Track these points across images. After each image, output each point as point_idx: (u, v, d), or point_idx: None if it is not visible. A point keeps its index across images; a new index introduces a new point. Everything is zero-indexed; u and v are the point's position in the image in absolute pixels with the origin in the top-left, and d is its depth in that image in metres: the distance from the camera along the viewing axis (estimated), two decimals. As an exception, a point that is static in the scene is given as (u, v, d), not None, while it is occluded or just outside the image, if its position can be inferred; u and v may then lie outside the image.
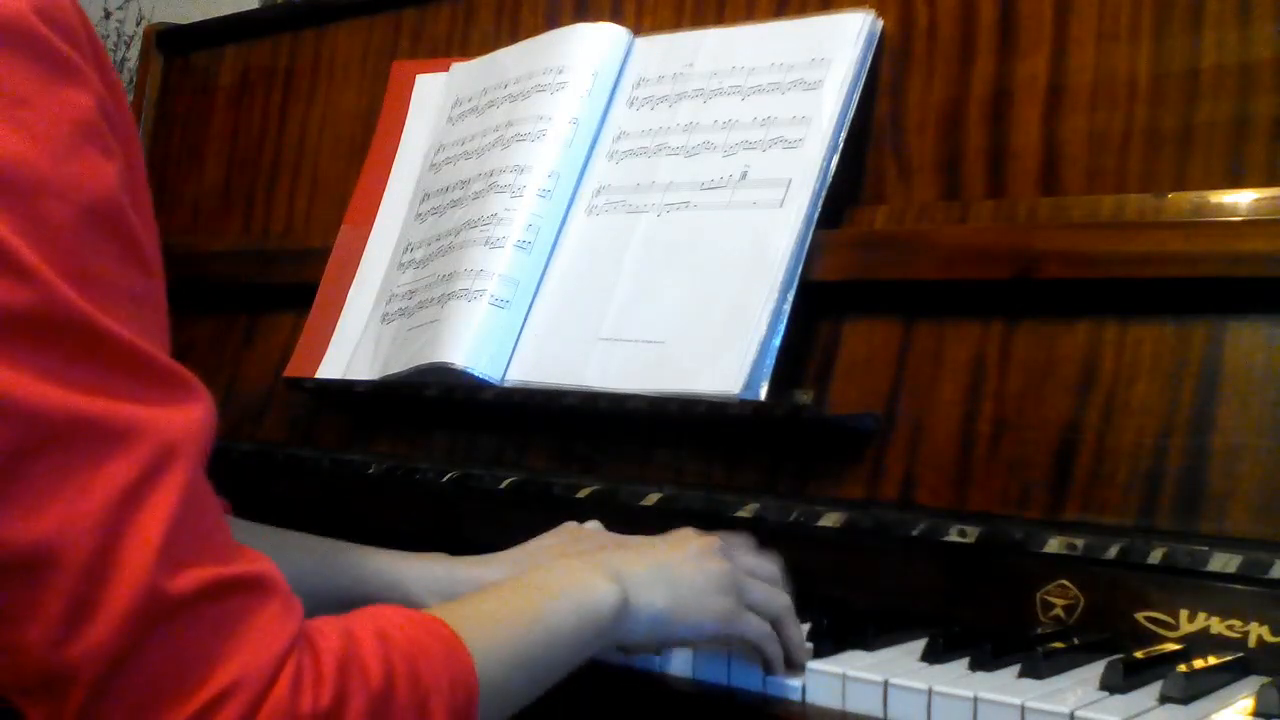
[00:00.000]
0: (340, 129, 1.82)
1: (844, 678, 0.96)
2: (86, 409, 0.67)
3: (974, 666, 0.96)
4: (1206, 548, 1.02)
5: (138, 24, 2.73)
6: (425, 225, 1.55)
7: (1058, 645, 0.99)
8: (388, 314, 1.52)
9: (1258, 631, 0.99)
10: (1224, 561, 1.00)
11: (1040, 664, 0.94)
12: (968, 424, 1.17)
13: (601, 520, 1.15)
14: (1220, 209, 1.13)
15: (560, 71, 1.48)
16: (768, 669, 0.99)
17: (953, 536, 1.11)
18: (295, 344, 1.63)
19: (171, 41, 2.08)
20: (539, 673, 0.84)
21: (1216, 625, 1.00)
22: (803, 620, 1.05)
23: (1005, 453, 1.14)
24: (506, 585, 0.88)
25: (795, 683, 0.98)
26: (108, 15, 2.75)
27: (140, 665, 0.66)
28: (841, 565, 1.17)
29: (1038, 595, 1.08)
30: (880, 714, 0.94)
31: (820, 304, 1.27)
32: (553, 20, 1.60)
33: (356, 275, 1.61)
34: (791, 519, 1.20)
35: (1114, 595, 1.05)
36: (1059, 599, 1.07)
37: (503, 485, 1.38)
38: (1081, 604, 1.06)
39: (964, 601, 1.11)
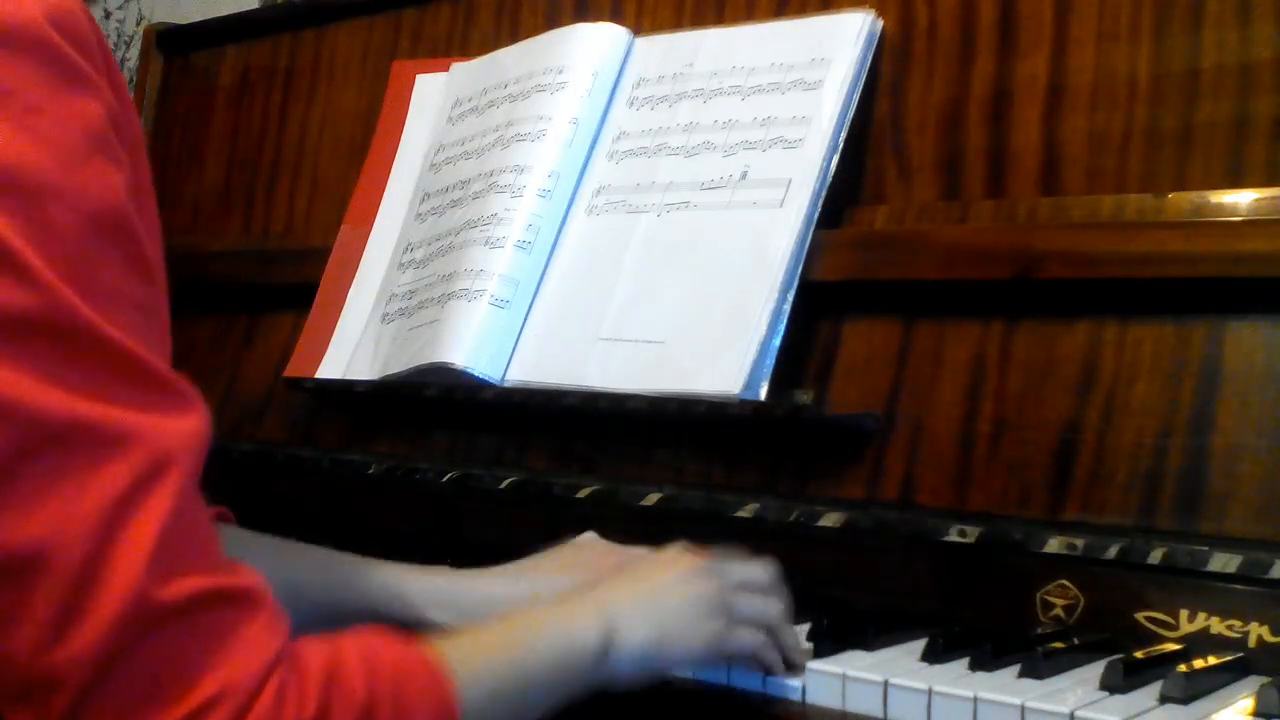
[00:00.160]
0: (340, 129, 1.82)
1: (844, 678, 0.96)
2: (84, 413, 0.67)
3: (974, 666, 0.96)
4: (1206, 548, 1.02)
5: (138, 24, 2.73)
6: (425, 225, 1.55)
7: (1058, 645, 0.99)
8: (388, 314, 1.52)
9: (1258, 631, 0.99)
10: (1224, 561, 1.00)
11: (1040, 664, 0.94)
12: (968, 424, 1.17)
13: (601, 520, 1.15)
14: (1220, 209, 1.13)
15: (560, 71, 1.48)
16: (767, 674, 0.99)
17: (953, 536, 1.11)
18: (295, 344, 1.63)
19: (171, 41, 2.08)
20: (521, 707, 0.84)
21: (1216, 625, 1.00)
22: (803, 620, 1.05)
23: (1005, 453, 1.14)
24: (492, 620, 0.88)
25: (795, 683, 0.98)
26: (108, 15, 2.75)
27: (126, 672, 0.66)
28: (841, 565, 1.17)
29: (1038, 595, 1.08)
30: (880, 714, 0.94)
31: (820, 304, 1.27)
32: (553, 20, 1.60)
33: (356, 275, 1.61)
34: (791, 519, 1.20)
35: (1114, 595, 1.05)
36: (1059, 599, 1.07)
37: (503, 485, 1.38)
38: (1081, 604, 1.06)
39: (964, 601, 1.11)
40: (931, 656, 0.98)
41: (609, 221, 1.40)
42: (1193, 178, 1.16)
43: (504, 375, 1.38)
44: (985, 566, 1.10)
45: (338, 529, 1.48)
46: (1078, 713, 0.87)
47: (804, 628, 1.04)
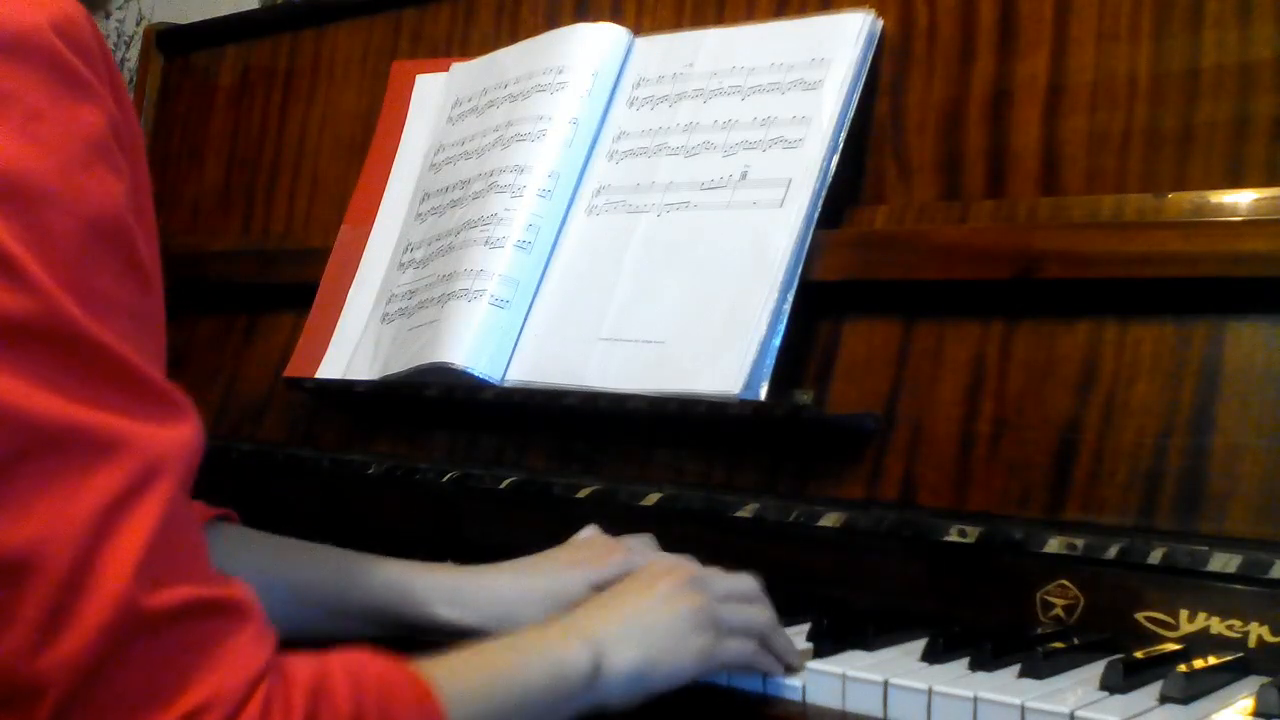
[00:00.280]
0: (340, 129, 1.82)
1: (844, 678, 0.96)
2: (77, 418, 0.67)
3: (974, 666, 0.96)
4: (1206, 548, 1.02)
5: (138, 24, 2.73)
6: (425, 225, 1.55)
7: (1058, 645, 0.99)
8: (388, 314, 1.52)
9: (1258, 631, 0.99)
10: (1224, 561, 1.00)
11: (1040, 664, 0.94)
12: (968, 424, 1.17)
13: (601, 520, 1.15)
14: (1220, 209, 1.13)
15: (560, 71, 1.48)
16: (765, 675, 0.99)
17: (953, 536, 1.11)
18: (295, 344, 1.63)
19: (171, 41, 2.08)
20: None
21: (1216, 625, 1.00)
22: (803, 620, 1.05)
23: (1005, 453, 1.14)
24: (480, 643, 0.87)
25: (795, 683, 0.98)
26: (108, 15, 2.75)
27: (112, 679, 0.66)
28: (841, 565, 1.17)
29: (1038, 595, 1.08)
30: (880, 714, 0.94)
31: (820, 304, 1.27)
32: (553, 20, 1.60)
33: (356, 275, 1.61)
34: (791, 519, 1.20)
35: (1114, 595, 1.05)
36: (1059, 599, 1.07)
37: (503, 485, 1.38)
38: (1081, 604, 1.06)
39: (964, 601, 1.11)
40: (931, 656, 0.98)
41: (609, 221, 1.40)
42: (1193, 178, 1.16)
43: (504, 375, 1.38)
44: (985, 566, 1.10)
45: (338, 529, 1.48)
46: (1078, 713, 0.87)
47: (804, 628, 1.04)
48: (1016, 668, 0.95)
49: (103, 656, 0.66)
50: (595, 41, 1.49)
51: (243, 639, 0.70)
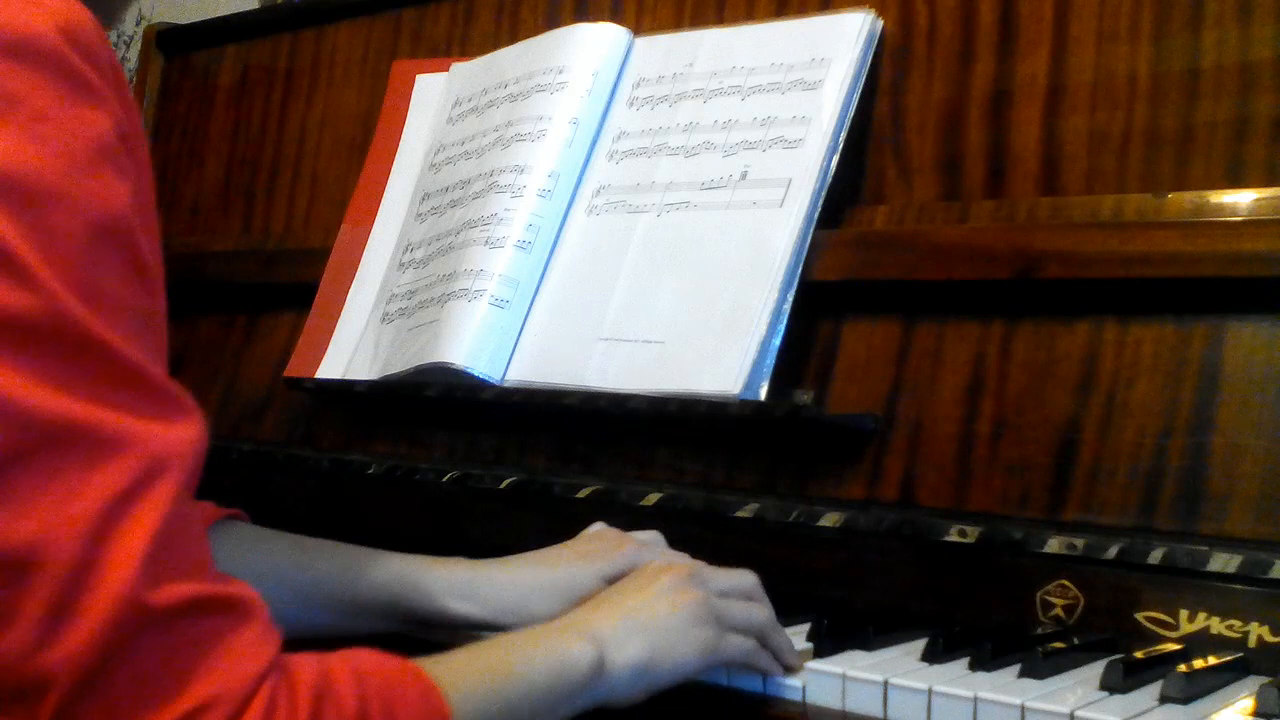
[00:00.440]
0: (340, 129, 1.82)
1: (844, 678, 0.96)
2: (81, 415, 0.67)
3: (974, 666, 0.96)
4: (1206, 548, 1.02)
5: (137, 24, 2.73)
6: (425, 225, 1.55)
7: (1058, 645, 0.99)
8: (388, 314, 1.52)
9: (1258, 631, 0.99)
10: (1224, 561, 1.01)
11: (1040, 664, 0.94)
12: (968, 424, 1.17)
13: (602, 520, 1.15)
14: (1220, 209, 1.13)
15: (560, 71, 1.48)
16: (764, 675, 0.99)
17: (953, 536, 1.11)
18: (295, 344, 1.63)
19: (171, 41, 2.08)
20: None
21: (1216, 625, 1.00)
22: (803, 620, 1.05)
23: (1005, 453, 1.14)
24: (483, 641, 0.88)
25: (795, 682, 0.98)
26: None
27: (116, 676, 0.66)
28: (841, 565, 1.17)
29: (1038, 595, 1.08)
30: (880, 714, 0.94)
31: (820, 304, 1.27)
32: (553, 20, 1.60)
33: (356, 275, 1.61)
34: (791, 519, 1.20)
35: (1114, 595, 1.05)
36: (1059, 599, 1.07)
37: (503, 485, 1.38)
38: (1081, 604, 1.06)
39: (964, 601, 1.11)
40: (931, 656, 0.98)
41: (609, 221, 1.40)
42: (1193, 178, 1.16)
43: (504, 375, 1.38)
44: (985, 566, 1.10)
45: (338, 529, 1.48)
46: (1078, 713, 0.87)
47: (804, 628, 1.04)
48: (1016, 668, 0.95)
49: (106, 653, 0.66)
50: (595, 41, 1.49)
51: (246, 637, 0.70)
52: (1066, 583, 1.07)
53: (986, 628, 1.03)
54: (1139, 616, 1.03)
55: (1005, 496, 1.13)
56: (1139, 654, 0.98)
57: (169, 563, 0.68)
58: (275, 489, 1.58)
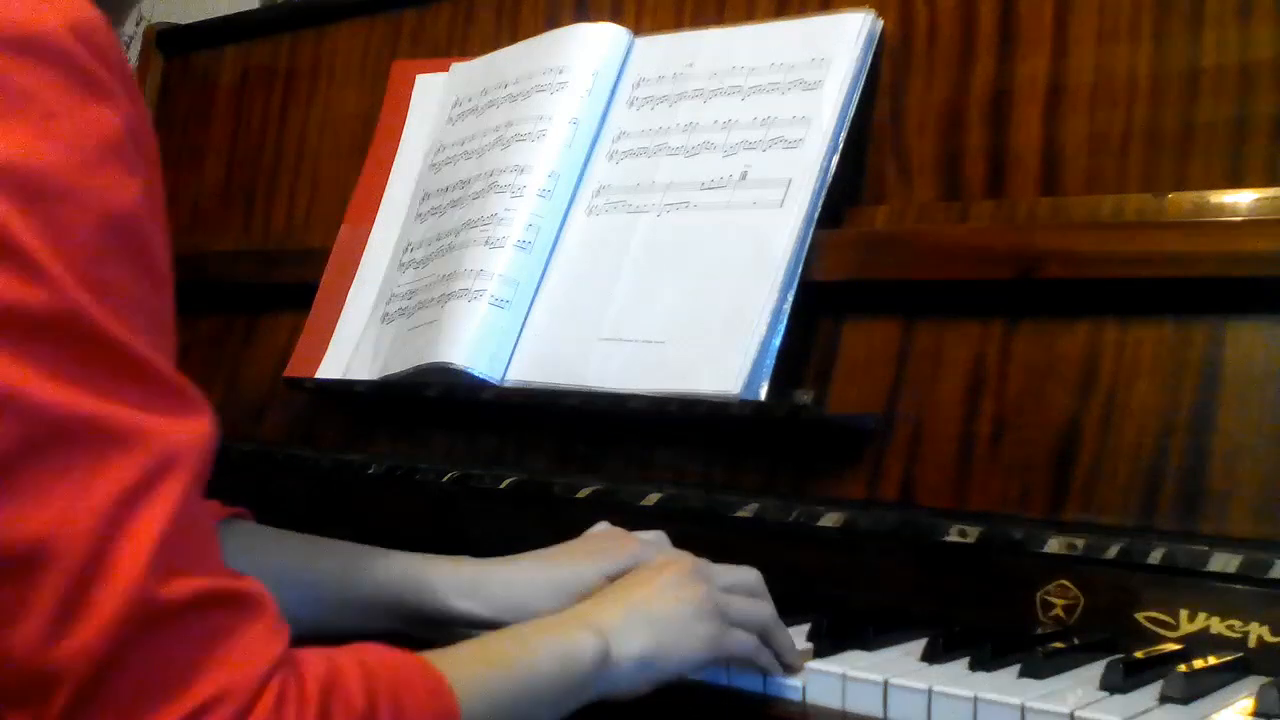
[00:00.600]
0: (340, 129, 1.82)
1: (844, 678, 0.96)
2: (92, 409, 0.67)
3: (974, 666, 0.96)
4: (1206, 548, 1.02)
5: (137, 24, 2.73)
6: (425, 225, 1.55)
7: (1058, 645, 0.99)
8: (388, 314, 1.52)
9: (1258, 631, 0.99)
10: (1224, 561, 1.00)
11: (1040, 664, 0.94)
12: (968, 424, 1.17)
13: (602, 520, 1.15)
14: (1220, 209, 1.13)
15: (560, 72, 1.48)
16: (765, 674, 0.99)
17: (953, 536, 1.11)
18: (295, 344, 1.63)
19: (171, 41, 2.08)
20: (520, 718, 0.84)
21: (1216, 625, 1.00)
22: (803, 620, 1.05)
23: (1005, 453, 1.14)
24: (488, 634, 0.88)
25: (795, 682, 0.98)
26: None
27: (127, 670, 0.66)
28: (841, 565, 1.17)
29: (1038, 595, 1.08)
30: (880, 714, 0.94)
31: (820, 304, 1.27)
32: (553, 20, 1.60)
33: (356, 275, 1.61)
34: (791, 519, 1.20)
35: (1114, 595, 1.05)
36: (1059, 599, 1.07)
37: (503, 485, 1.38)
38: (1081, 604, 1.06)
39: (964, 601, 1.11)
40: (931, 656, 0.98)
41: (609, 221, 1.40)
42: (1193, 178, 1.16)
43: (504, 375, 1.38)
44: (985, 566, 1.10)
45: (338, 529, 1.48)
46: (1078, 713, 0.87)
47: (804, 628, 1.04)
48: (1016, 668, 0.95)
49: (117, 647, 0.66)
50: (595, 41, 1.49)
51: (256, 631, 0.70)
52: (1066, 583, 1.07)
53: (986, 628, 1.03)
54: (1139, 616, 1.03)
55: (1005, 496, 1.13)
56: (1139, 654, 0.98)
57: (179, 557, 0.68)
58: (275, 489, 1.58)
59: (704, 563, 1.01)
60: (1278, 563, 0.98)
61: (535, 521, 1.34)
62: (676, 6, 1.51)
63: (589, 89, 1.46)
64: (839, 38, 1.32)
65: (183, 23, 2.11)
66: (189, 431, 0.70)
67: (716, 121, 1.37)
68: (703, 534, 1.20)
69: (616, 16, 1.54)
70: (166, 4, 2.65)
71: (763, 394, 1.23)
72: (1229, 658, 0.97)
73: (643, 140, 1.41)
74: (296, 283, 1.67)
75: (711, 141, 1.36)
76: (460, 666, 0.80)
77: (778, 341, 1.24)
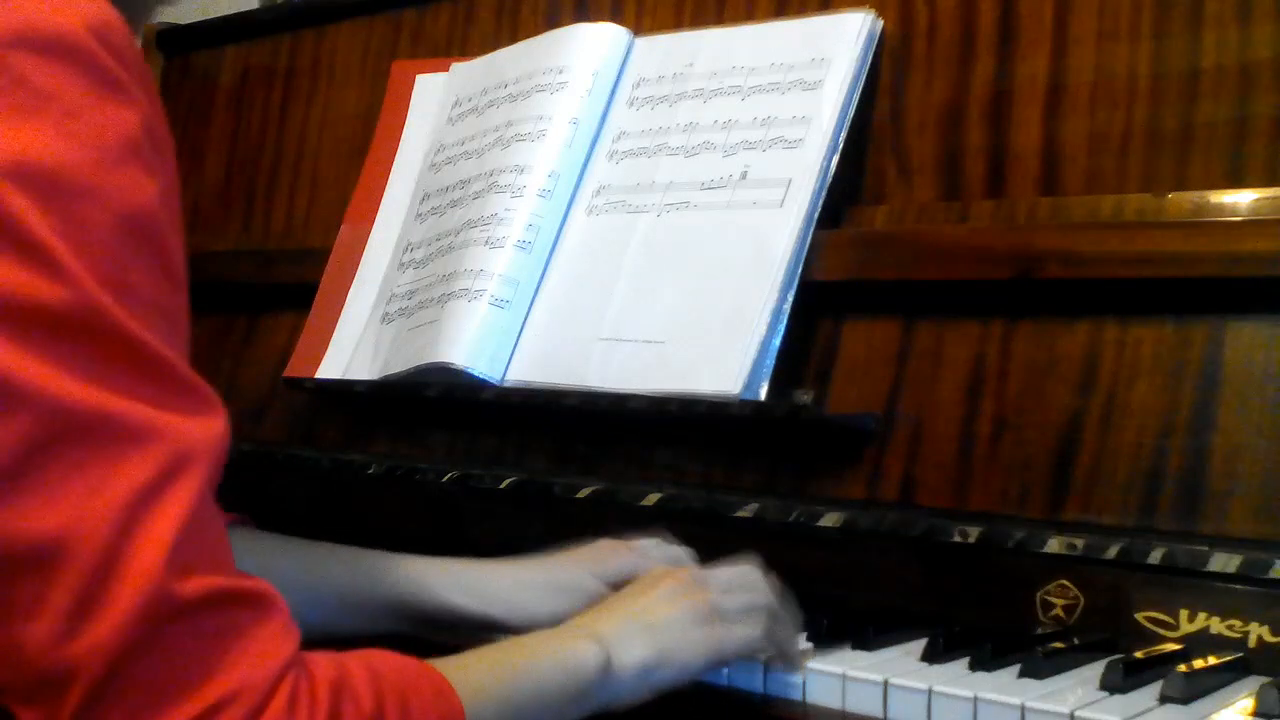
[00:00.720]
0: (340, 129, 1.82)
1: (844, 678, 0.96)
2: (109, 406, 0.68)
3: (974, 666, 0.96)
4: (1206, 548, 1.02)
5: (138, 24, 2.73)
6: (425, 225, 1.55)
7: (1058, 645, 0.99)
8: (388, 314, 1.52)
9: (1258, 631, 0.99)
10: (1224, 561, 1.00)
11: (1040, 664, 0.94)
12: (968, 424, 1.17)
13: (601, 520, 1.16)
14: (1220, 209, 1.13)
15: (560, 72, 1.48)
16: (782, 657, 0.99)
17: (953, 537, 1.11)
18: (295, 344, 1.63)
19: (171, 41, 2.08)
20: None
21: (1216, 625, 1.00)
22: (803, 620, 1.05)
23: (1005, 453, 1.14)
24: (492, 644, 0.89)
25: (795, 681, 0.98)
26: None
27: (141, 667, 0.66)
28: (841, 565, 1.17)
29: (1038, 595, 1.08)
30: (880, 714, 0.94)
31: (820, 304, 1.27)
32: (553, 20, 1.60)
33: (356, 275, 1.61)
34: (791, 519, 1.20)
35: (1114, 595, 1.05)
36: (1059, 599, 1.07)
37: (503, 485, 1.38)
38: (1081, 604, 1.06)
39: (964, 601, 1.11)
40: (931, 656, 0.98)
41: (609, 221, 1.40)
42: (1193, 178, 1.16)
43: (504, 375, 1.38)
44: (985, 566, 1.10)
45: (338, 529, 1.48)
46: (1078, 713, 0.87)
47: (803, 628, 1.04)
48: (1016, 668, 0.95)
49: (132, 644, 0.66)
50: (595, 41, 1.49)
51: (269, 631, 0.71)
52: (1066, 583, 1.07)
53: (986, 628, 1.03)
54: (1139, 616, 1.03)
55: (1005, 496, 1.13)
56: (1139, 654, 0.98)
57: (193, 556, 0.68)
58: (275, 489, 1.58)
59: (703, 570, 1.02)
60: (1278, 563, 0.98)
61: (535, 521, 1.34)
62: (676, 6, 1.51)
63: (589, 89, 1.46)
64: (839, 38, 1.32)
65: (183, 23, 2.11)
66: (204, 430, 0.71)
67: (716, 121, 1.37)
68: (703, 534, 1.20)
69: (616, 16, 1.54)
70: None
71: (763, 394, 1.23)
72: (1229, 658, 0.97)
73: (643, 140, 1.41)
74: (296, 283, 1.67)
75: (711, 141, 1.36)
76: (466, 673, 0.81)
77: (778, 341, 1.24)
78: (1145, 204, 1.16)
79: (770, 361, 1.23)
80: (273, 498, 1.57)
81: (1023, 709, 0.88)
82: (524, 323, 1.39)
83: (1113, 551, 1.04)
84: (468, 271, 1.41)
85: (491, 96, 1.55)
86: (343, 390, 1.55)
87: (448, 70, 1.65)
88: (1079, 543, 1.06)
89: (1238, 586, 1.00)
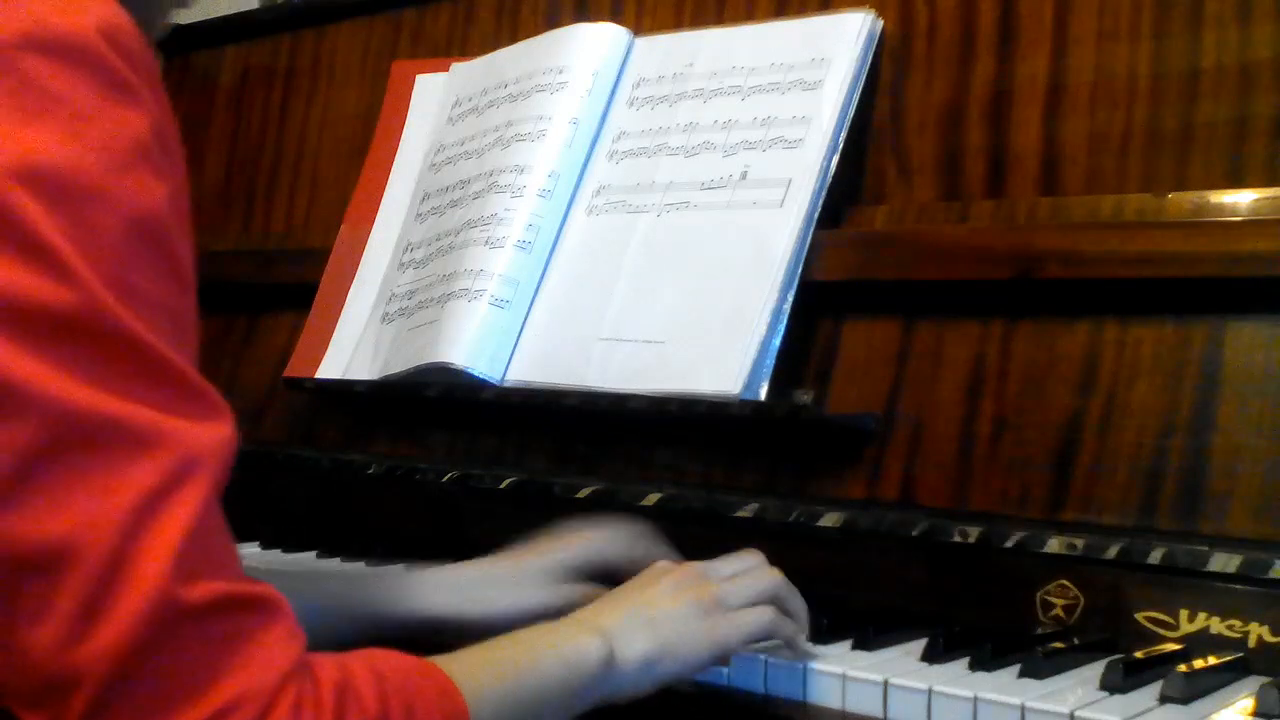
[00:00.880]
0: (340, 129, 1.82)
1: (844, 678, 0.96)
2: (116, 411, 0.67)
3: (974, 666, 0.96)
4: (1206, 548, 1.02)
5: (138, 24, 2.73)
6: (425, 225, 1.55)
7: (1058, 645, 0.99)
8: (388, 314, 1.52)
9: (1258, 631, 0.99)
10: (1224, 561, 1.00)
11: (1040, 664, 0.94)
12: (968, 424, 1.17)
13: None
14: (1220, 209, 1.13)
15: (560, 72, 1.48)
16: (792, 648, 0.99)
17: (953, 537, 1.11)
18: (295, 344, 1.63)
19: (171, 41, 2.08)
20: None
21: (1216, 625, 1.00)
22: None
23: (1005, 453, 1.14)
24: (495, 640, 0.89)
25: (795, 682, 0.98)
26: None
27: (147, 672, 0.66)
28: (841, 565, 1.17)
29: (1038, 595, 1.08)
30: (880, 714, 0.94)
31: (820, 304, 1.27)
32: (553, 20, 1.60)
33: (356, 275, 1.61)
34: (791, 519, 1.20)
35: (1114, 595, 1.05)
36: (1059, 599, 1.07)
37: (503, 485, 1.38)
38: (1081, 604, 1.06)
39: (964, 601, 1.11)
40: (931, 656, 0.98)
41: (609, 221, 1.40)
42: (1193, 178, 1.16)
43: (504, 375, 1.38)
44: (985, 566, 1.10)
45: (338, 529, 1.48)
46: (1078, 713, 0.87)
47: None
48: (1016, 668, 0.95)
49: (139, 649, 0.66)
50: (595, 41, 1.49)
51: (274, 635, 0.71)
52: (1066, 583, 1.07)
53: (986, 628, 1.03)
54: (1139, 616, 1.03)
55: (1005, 496, 1.13)
56: (1139, 654, 0.98)
57: (200, 560, 0.68)
58: (275, 489, 1.58)
59: (704, 563, 1.02)
60: (1278, 563, 0.98)
61: (535, 521, 1.33)
62: (676, 6, 1.51)
63: (589, 89, 1.46)
64: (839, 38, 1.32)
65: (182, 23, 2.11)
66: (211, 435, 0.71)
67: (716, 121, 1.37)
68: (703, 534, 1.20)
69: (616, 16, 1.54)
70: (166, 4, 2.65)
71: (763, 394, 1.23)
72: (1229, 658, 0.97)
73: (643, 140, 1.41)
74: (296, 283, 1.67)
75: (711, 141, 1.36)
76: (468, 671, 0.81)
77: (778, 341, 1.24)
78: (1145, 204, 1.16)
79: (770, 361, 1.23)
80: (273, 498, 1.57)
81: (1023, 709, 0.88)
82: (524, 323, 1.39)
83: (1113, 551, 1.04)
84: (468, 271, 1.41)
85: (491, 96, 1.55)
86: (343, 390, 1.55)
87: (448, 70, 1.65)
88: (1079, 543, 1.06)
89: (1238, 586, 1.00)
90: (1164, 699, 0.90)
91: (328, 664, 0.73)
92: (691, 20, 1.49)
